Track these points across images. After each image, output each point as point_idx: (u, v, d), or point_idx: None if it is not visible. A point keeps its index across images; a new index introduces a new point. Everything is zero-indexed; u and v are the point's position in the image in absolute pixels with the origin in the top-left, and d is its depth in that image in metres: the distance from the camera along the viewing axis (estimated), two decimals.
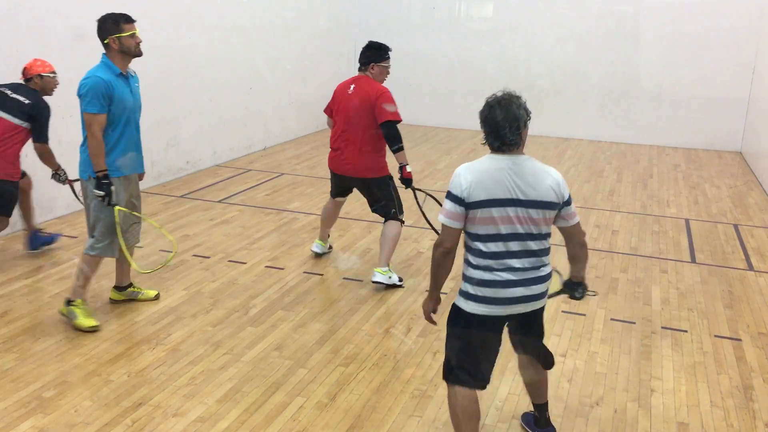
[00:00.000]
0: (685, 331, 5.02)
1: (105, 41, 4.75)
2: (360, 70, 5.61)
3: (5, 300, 5.07)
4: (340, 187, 5.92)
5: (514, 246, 3.10)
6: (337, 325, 4.92)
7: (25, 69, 5.70)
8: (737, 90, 11.43)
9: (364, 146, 5.49)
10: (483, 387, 3.33)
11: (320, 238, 6.15)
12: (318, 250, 6.11)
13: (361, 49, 5.62)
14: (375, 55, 5.54)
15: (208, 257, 6.03)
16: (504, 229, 3.07)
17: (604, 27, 11.95)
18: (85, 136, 4.57)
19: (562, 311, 5.26)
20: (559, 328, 4.98)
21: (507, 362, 4.31)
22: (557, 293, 3.48)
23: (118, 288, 5.11)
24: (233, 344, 4.58)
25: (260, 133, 10.44)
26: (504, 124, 3.05)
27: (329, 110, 5.83)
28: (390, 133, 5.40)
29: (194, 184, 8.37)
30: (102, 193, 4.52)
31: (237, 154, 9.83)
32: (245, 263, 5.95)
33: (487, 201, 3.04)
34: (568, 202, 3.18)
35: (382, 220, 5.69)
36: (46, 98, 5.74)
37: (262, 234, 6.73)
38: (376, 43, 5.60)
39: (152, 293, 5.17)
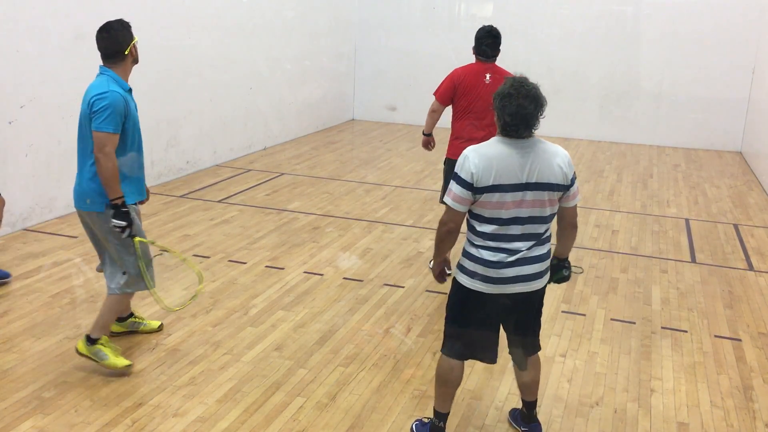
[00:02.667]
0: (685, 331, 5.02)
1: (125, 51, 4.34)
2: (487, 58, 5.43)
3: (5, 300, 5.07)
4: None
5: (516, 229, 3.17)
6: (337, 325, 4.91)
7: None
8: (737, 90, 11.42)
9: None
10: (465, 358, 3.48)
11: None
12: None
13: (482, 35, 5.41)
14: (499, 44, 5.44)
15: (208, 257, 6.03)
16: (509, 213, 3.14)
17: (604, 27, 11.95)
18: (88, 161, 4.03)
19: (562, 311, 5.26)
20: (559, 328, 4.98)
21: (507, 362, 4.31)
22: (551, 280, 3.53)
23: (118, 319, 4.55)
24: (233, 344, 4.58)
25: (260, 133, 10.43)
26: (535, 113, 3.10)
27: (447, 98, 5.52)
28: None
29: (194, 183, 8.37)
30: (123, 223, 3.95)
31: (237, 154, 9.83)
32: (245, 263, 5.95)
33: (496, 186, 3.09)
34: (572, 182, 3.23)
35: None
36: None
37: (262, 234, 6.73)
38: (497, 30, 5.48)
39: (155, 324, 4.69)
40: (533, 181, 3.11)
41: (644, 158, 10.96)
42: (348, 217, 7.30)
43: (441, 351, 3.52)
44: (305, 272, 5.81)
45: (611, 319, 5.17)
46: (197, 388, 4.05)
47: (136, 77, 7.50)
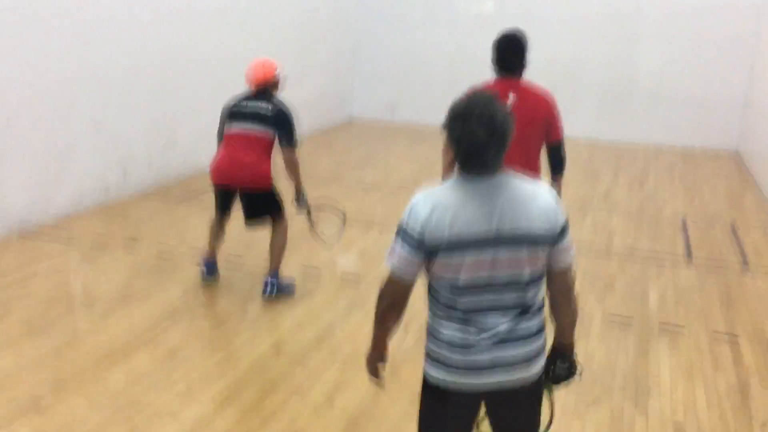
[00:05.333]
0: (682, 331, 5.03)
1: None
2: (509, 72, 4.21)
3: (2, 301, 5.07)
4: None
5: (485, 298, 2.30)
6: (335, 325, 4.92)
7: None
8: (734, 89, 11.44)
9: (525, 165, 4.17)
10: None
11: None
12: None
13: (502, 42, 4.21)
14: (524, 53, 4.26)
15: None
16: (476, 278, 2.27)
17: (602, 25, 11.96)
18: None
19: None
20: None
21: None
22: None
23: None
24: (230, 345, 4.58)
25: None
26: (490, 142, 2.20)
27: None
28: (561, 156, 4.47)
29: (193, 184, 8.36)
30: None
31: None
32: (243, 264, 5.94)
33: (455, 243, 2.23)
34: (563, 232, 2.32)
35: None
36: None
37: (261, 234, 6.72)
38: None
39: None
40: (505, 234, 2.23)
41: (641, 158, 10.97)
42: (347, 218, 7.29)
43: None
44: (303, 272, 5.81)
45: (608, 320, 5.18)
46: (194, 389, 4.05)
47: (134, 79, 7.54)
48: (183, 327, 4.80)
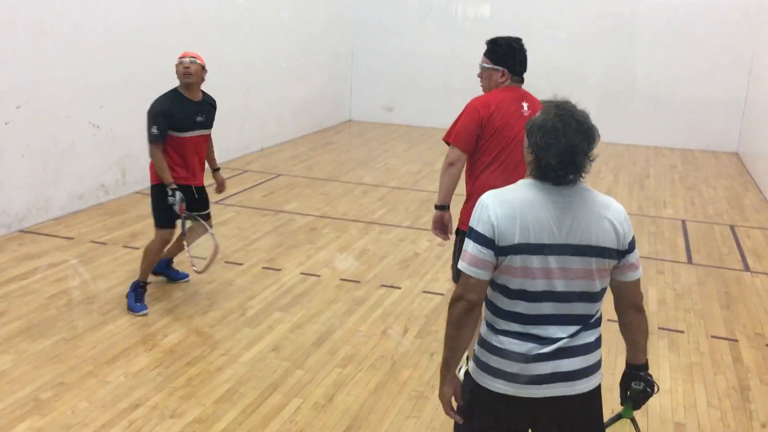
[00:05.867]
0: (682, 332, 5.03)
1: None
2: (516, 79, 3.95)
3: (1, 301, 5.06)
4: None
5: (549, 308, 2.28)
6: (334, 326, 4.91)
7: None
8: (734, 91, 11.45)
9: None
10: None
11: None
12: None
13: (515, 46, 3.92)
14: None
15: (204, 258, 6.01)
16: (541, 285, 2.25)
17: (601, 28, 11.97)
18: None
19: None
20: None
21: None
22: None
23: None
24: (230, 345, 4.57)
25: (257, 133, 10.43)
26: (588, 153, 2.29)
27: (472, 141, 3.82)
28: None
29: None
30: None
31: (234, 155, 9.81)
32: (242, 264, 5.94)
33: (523, 246, 2.22)
34: (631, 248, 2.36)
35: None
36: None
37: (259, 235, 6.72)
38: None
39: None
40: (573, 242, 2.24)
41: (641, 159, 10.97)
42: (345, 219, 7.30)
43: None
44: (302, 273, 5.81)
45: (608, 320, 5.16)
46: (194, 390, 4.05)
47: (132, 79, 7.53)
48: (183, 326, 4.80)
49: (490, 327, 2.36)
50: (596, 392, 2.45)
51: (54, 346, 4.46)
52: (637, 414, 3.99)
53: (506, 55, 3.86)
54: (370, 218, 7.36)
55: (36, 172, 6.61)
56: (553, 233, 2.23)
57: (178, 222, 5.04)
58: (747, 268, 6.38)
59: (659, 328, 5.07)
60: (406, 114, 13.04)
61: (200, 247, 5.28)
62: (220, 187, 5.42)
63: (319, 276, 5.77)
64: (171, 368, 4.27)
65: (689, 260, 6.53)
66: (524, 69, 3.94)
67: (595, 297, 2.34)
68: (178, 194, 4.83)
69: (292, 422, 3.77)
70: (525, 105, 3.86)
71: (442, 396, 2.42)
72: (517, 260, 2.22)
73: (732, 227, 7.59)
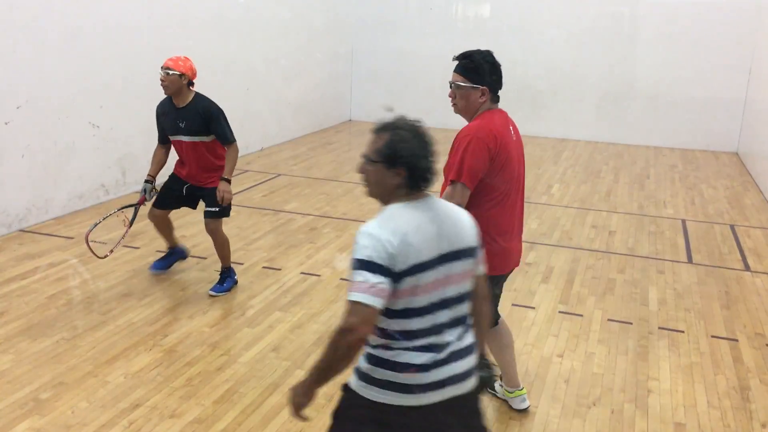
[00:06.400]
0: (682, 332, 5.03)
1: None
2: (496, 99, 3.52)
3: (1, 301, 5.06)
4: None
5: (442, 316, 2.35)
6: (335, 326, 4.89)
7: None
8: (734, 91, 11.45)
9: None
10: None
11: None
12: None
13: (489, 65, 3.45)
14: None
15: (204, 258, 6.02)
16: (435, 296, 2.33)
17: (601, 28, 11.97)
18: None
19: (559, 312, 5.26)
20: (556, 329, 4.98)
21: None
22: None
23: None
24: (230, 345, 4.57)
25: (257, 133, 10.43)
26: (430, 156, 2.40)
27: (477, 179, 3.37)
28: None
29: None
30: None
31: None
32: (242, 264, 5.94)
33: (417, 266, 2.27)
34: (479, 243, 2.49)
35: None
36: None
37: (259, 235, 6.72)
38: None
39: None
40: (450, 250, 2.34)
41: (641, 159, 10.97)
42: (345, 218, 7.29)
43: None
44: (302, 273, 5.81)
45: (608, 320, 5.18)
46: (194, 390, 4.05)
47: (132, 79, 7.53)
48: (182, 326, 4.80)
49: (383, 347, 2.36)
50: (479, 394, 2.54)
51: (54, 346, 4.45)
52: (637, 414, 4.01)
53: (485, 72, 3.40)
54: (371, 218, 7.35)
55: (36, 172, 6.61)
56: (440, 245, 2.31)
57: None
58: (747, 267, 6.38)
59: (659, 328, 5.07)
60: (405, 114, 13.00)
61: (200, 246, 5.32)
62: (218, 195, 5.15)
63: (319, 276, 5.77)
64: (171, 368, 4.27)
65: (689, 260, 6.53)
66: (501, 86, 3.50)
67: (467, 296, 2.44)
68: (146, 186, 5.31)
69: (292, 422, 3.77)
70: (512, 129, 3.52)
71: (297, 403, 2.48)
72: (413, 278, 2.27)
73: (732, 227, 7.59)
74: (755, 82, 10.89)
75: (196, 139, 5.13)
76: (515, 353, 4.01)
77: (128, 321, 4.84)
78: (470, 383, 2.42)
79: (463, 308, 2.41)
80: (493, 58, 3.45)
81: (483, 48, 3.55)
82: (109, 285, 5.40)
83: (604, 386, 4.27)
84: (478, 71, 3.39)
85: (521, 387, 3.96)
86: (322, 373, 2.38)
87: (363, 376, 2.42)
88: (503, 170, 3.39)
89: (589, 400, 4.11)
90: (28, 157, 6.50)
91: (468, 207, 3.30)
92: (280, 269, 5.87)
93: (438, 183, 2.42)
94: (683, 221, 7.75)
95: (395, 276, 2.24)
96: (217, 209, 5.19)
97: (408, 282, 2.26)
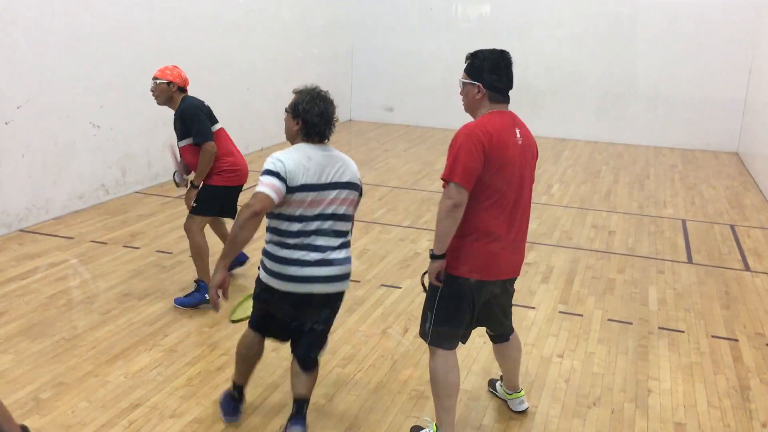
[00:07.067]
0: (682, 332, 5.03)
1: None
2: (508, 99, 3.44)
3: (1, 301, 5.06)
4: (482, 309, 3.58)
5: (323, 225, 3.37)
6: (334, 326, 4.89)
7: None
8: (734, 91, 11.45)
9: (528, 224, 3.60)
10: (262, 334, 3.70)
11: None
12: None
13: (498, 60, 3.39)
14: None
15: None
16: (314, 210, 3.34)
17: (601, 28, 11.97)
18: None
19: (560, 312, 5.26)
20: (556, 329, 4.99)
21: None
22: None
23: None
24: (230, 345, 4.57)
25: (257, 133, 10.43)
26: (330, 117, 3.45)
27: (475, 178, 3.25)
28: None
29: None
30: None
31: None
32: (242, 264, 5.93)
33: (305, 185, 3.29)
34: (361, 190, 3.56)
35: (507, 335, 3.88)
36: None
37: (260, 235, 6.70)
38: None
39: None
40: (338, 181, 3.38)
41: (641, 159, 10.97)
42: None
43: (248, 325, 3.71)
44: None
45: (608, 320, 5.18)
46: (194, 389, 4.05)
47: (132, 79, 7.53)
48: (183, 326, 4.80)
49: (277, 244, 3.37)
50: (342, 296, 3.60)
51: (54, 346, 4.46)
52: (637, 414, 4.01)
53: (481, 68, 3.33)
54: (370, 218, 7.36)
55: (36, 172, 6.61)
56: (328, 175, 3.36)
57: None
58: (747, 267, 6.38)
59: (659, 328, 5.07)
60: (406, 114, 13.03)
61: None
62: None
63: None
64: (171, 368, 4.27)
65: (689, 260, 6.53)
66: (508, 86, 3.38)
67: (350, 218, 3.48)
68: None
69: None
70: (518, 132, 3.37)
71: (214, 282, 3.33)
72: (300, 196, 3.29)
73: (732, 227, 7.59)
74: (755, 82, 10.89)
75: (185, 142, 5.12)
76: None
77: (128, 321, 4.85)
78: (338, 286, 3.44)
79: (340, 225, 3.41)
80: (499, 56, 3.37)
81: (487, 48, 3.48)
82: (109, 285, 5.40)
83: (604, 386, 4.27)
84: (476, 68, 3.35)
85: (520, 390, 3.96)
86: (229, 246, 3.34)
87: (262, 266, 3.46)
88: (498, 172, 3.27)
89: (589, 400, 4.11)
90: (28, 157, 6.50)
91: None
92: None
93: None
94: (683, 221, 7.75)
95: (288, 189, 3.27)
96: (194, 206, 5.12)
97: (297, 196, 3.29)
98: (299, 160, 3.31)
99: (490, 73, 3.33)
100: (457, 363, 3.53)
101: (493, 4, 12.55)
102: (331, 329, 4.82)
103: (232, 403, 3.76)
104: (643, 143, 12.05)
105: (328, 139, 3.45)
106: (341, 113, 13.16)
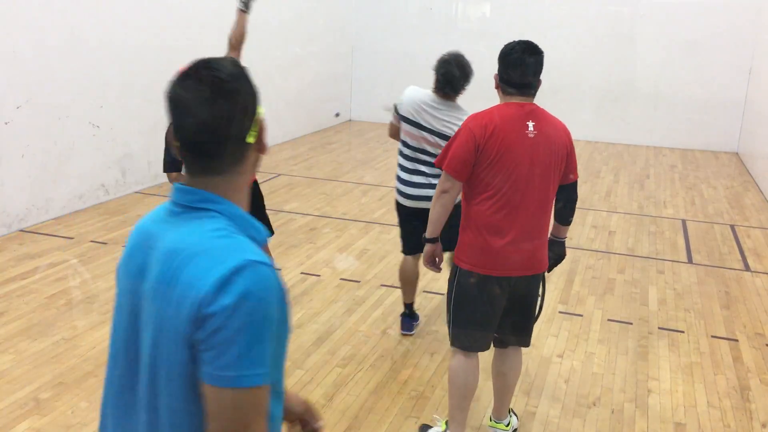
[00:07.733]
0: (682, 332, 5.03)
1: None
2: (524, 93, 3.27)
3: (1, 301, 5.06)
4: (496, 307, 3.41)
5: (420, 159, 4.44)
6: (334, 326, 4.91)
7: None
8: (734, 91, 11.45)
9: (547, 222, 3.43)
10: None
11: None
12: None
13: (516, 51, 3.25)
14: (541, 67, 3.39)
15: None
16: (416, 143, 4.43)
17: (601, 28, 11.97)
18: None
19: (559, 312, 5.26)
20: (556, 329, 4.99)
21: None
22: None
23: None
24: None
25: None
26: (462, 77, 4.51)
27: (468, 167, 3.23)
28: (575, 199, 3.51)
29: None
30: None
31: None
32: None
33: (409, 120, 4.38)
34: None
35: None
36: None
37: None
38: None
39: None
40: (433, 129, 4.45)
41: (641, 159, 10.97)
42: (345, 218, 7.30)
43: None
44: (302, 273, 5.81)
45: (608, 320, 5.18)
46: None
47: (132, 79, 7.54)
48: None
49: (400, 167, 4.56)
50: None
51: (54, 346, 4.46)
52: (637, 414, 4.01)
53: (499, 58, 3.26)
54: (370, 218, 7.36)
55: (36, 172, 6.61)
56: (424, 121, 4.56)
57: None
58: (747, 267, 6.38)
59: (659, 328, 5.07)
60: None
61: None
62: None
63: (319, 276, 5.77)
64: None
65: (689, 260, 6.53)
66: (525, 80, 3.22)
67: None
68: None
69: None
70: (531, 124, 3.18)
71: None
72: (406, 126, 4.54)
73: (732, 227, 7.59)
74: (755, 82, 10.89)
75: None
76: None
77: None
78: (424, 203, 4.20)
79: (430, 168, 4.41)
80: (510, 49, 3.26)
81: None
82: (109, 285, 5.39)
83: (604, 386, 4.27)
84: (498, 58, 3.30)
85: (505, 420, 3.73)
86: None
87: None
88: (494, 164, 3.16)
89: (589, 400, 4.11)
90: (28, 157, 6.50)
91: (463, 193, 3.33)
92: (279, 269, 5.87)
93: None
94: (683, 221, 7.75)
95: (401, 117, 4.68)
96: None
97: (405, 126, 4.60)
98: (414, 97, 4.82)
99: (501, 64, 3.27)
100: (478, 366, 3.48)
101: (494, 4, 12.55)
102: (332, 329, 4.85)
103: (408, 319, 4.81)
104: (643, 143, 12.05)
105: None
106: (341, 113, 13.16)
